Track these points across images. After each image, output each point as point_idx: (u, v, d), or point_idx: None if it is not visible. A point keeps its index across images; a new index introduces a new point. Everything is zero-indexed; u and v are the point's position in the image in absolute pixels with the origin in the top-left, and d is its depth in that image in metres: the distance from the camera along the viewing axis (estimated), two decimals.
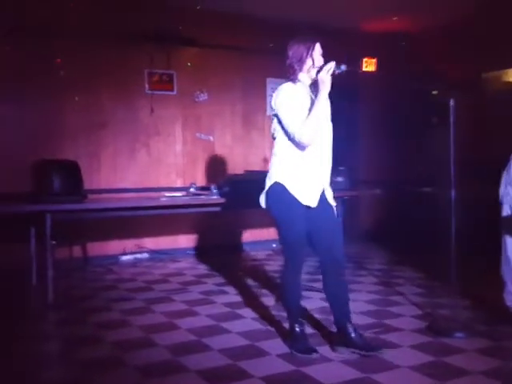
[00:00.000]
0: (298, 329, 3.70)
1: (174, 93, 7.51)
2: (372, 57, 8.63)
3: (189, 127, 7.64)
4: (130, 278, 6.17)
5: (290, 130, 3.46)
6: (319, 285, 5.50)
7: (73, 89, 6.81)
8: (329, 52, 7.63)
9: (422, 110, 8.13)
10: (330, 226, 3.67)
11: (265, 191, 3.63)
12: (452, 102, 4.08)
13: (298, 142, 3.45)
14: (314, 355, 3.55)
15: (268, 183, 3.61)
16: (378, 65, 8.68)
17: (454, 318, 4.08)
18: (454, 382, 3.16)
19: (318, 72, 3.47)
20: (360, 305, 4.82)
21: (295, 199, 3.52)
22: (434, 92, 8.03)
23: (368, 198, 8.60)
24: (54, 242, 5.23)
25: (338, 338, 3.71)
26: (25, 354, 3.79)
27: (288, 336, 3.81)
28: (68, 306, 4.99)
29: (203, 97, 7.68)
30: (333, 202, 3.72)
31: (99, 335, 4.12)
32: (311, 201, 3.57)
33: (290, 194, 3.51)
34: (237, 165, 7.41)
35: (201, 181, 7.37)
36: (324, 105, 3.51)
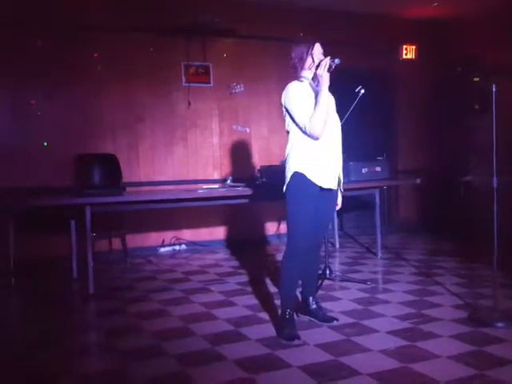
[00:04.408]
0: (288, 315, 3.81)
1: (211, 85, 7.53)
2: (412, 44, 8.54)
3: (225, 119, 7.65)
4: (168, 269, 6.24)
5: (302, 123, 3.66)
6: (357, 275, 5.52)
7: (110, 83, 6.90)
8: (368, 39, 7.63)
9: (463, 98, 7.98)
10: (331, 210, 4.08)
11: (286, 183, 3.80)
12: (494, 88, 4.00)
13: (309, 133, 3.65)
14: (296, 341, 3.66)
15: (288, 174, 3.78)
16: (418, 52, 8.59)
17: (495, 307, 4.00)
18: (494, 371, 3.10)
19: (317, 68, 3.68)
20: (399, 295, 4.78)
21: (314, 185, 3.72)
22: (476, 79, 7.88)
23: (407, 187, 8.53)
24: (93, 234, 5.30)
25: (301, 306, 4.18)
26: (66, 344, 3.86)
27: (278, 321, 3.91)
28: (108, 296, 5.07)
29: (239, 88, 7.67)
30: (341, 188, 4.01)
31: (139, 325, 4.18)
32: (331, 184, 3.81)
33: (310, 181, 3.71)
34: (274, 156, 7.39)
35: (238, 172, 7.39)
36: (328, 97, 3.67)
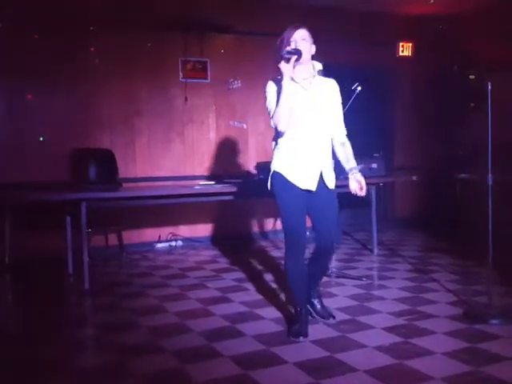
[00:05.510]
0: (298, 313, 3.82)
1: (208, 81, 7.52)
2: (408, 41, 8.55)
3: (222, 115, 7.65)
4: (164, 265, 6.25)
5: (270, 118, 3.64)
6: (353, 272, 5.53)
7: (108, 78, 6.88)
8: (364, 36, 7.59)
9: (459, 95, 8.00)
10: (330, 214, 3.80)
11: (269, 181, 3.78)
12: (489, 86, 4.00)
13: (276, 128, 3.62)
14: (301, 339, 3.66)
15: (270, 173, 3.77)
16: (415, 49, 8.59)
17: (490, 304, 4.02)
18: (489, 368, 3.12)
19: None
20: (394, 292, 4.80)
21: (294, 185, 3.66)
22: (472, 76, 7.90)
23: (403, 184, 8.54)
24: (89, 230, 5.30)
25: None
26: (62, 340, 3.87)
27: (291, 318, 3.95)
28: (104, 292, 5.07)
29: (237, 84, 7.66)
30: (331, 186, 3.78)
31: (135, 321, 4.18)
32: (309, 185, 3.68)
33: (288, 181, 3.67)
34: (271, 152, 7.34)
35: (235, 169, 7.40)
36: (287, 91, 3.50)
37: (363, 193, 3.76)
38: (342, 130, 3.87)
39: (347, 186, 3.83)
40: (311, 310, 4.06)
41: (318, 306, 4.07)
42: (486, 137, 4.00)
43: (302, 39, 3.57)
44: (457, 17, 8.08)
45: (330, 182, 3.77)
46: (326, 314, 4.04)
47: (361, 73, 6.22)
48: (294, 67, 3.54)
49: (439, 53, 8.37)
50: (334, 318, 4.02)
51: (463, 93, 7.86)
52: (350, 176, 3.76)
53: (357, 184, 3.74)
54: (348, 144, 3.86)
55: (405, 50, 8.59)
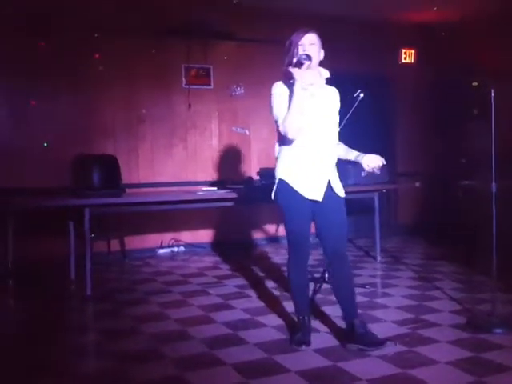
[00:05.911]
0: (300, 320, 3.76)
1: (211, 87, 7.53)
2: (411, 48, 8.55)
3: (225, 121, 7.65)
4: (166, 271, 6.23)
5: (279, 124, 3.51)
6: (356, 279, 5.48)
7: (112, 84, 6.89)
8: (367, 43, 7.60)
9: (462, 102, 7.98)
10: (337, 219, 3.68)
11: (273, 190, 3.69)
12: (493, 93, 3.98)
13: (285, 135, 3.48)
14: (303, 347, 3.60)
15: (275, 181, 3.66)
16: (417, 56, 8.59)
17: (494, 313, 3.99)
18: (492, 378, 3.09)
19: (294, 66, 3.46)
20: (398, 300, 4.77)
21: (299, 195, 3.56)
22: (475, 83, 7.88)
23: (406, 190, 8.51)
24: (92, 236, 5.29)
25: (347, 333, 3.69)
26: (64, 346, 3.85)
27: (293, 326, 3.91)
28: (106, 298, 5.06)
29: (240, 91, 7.66)
30: (341, 194, 3.69)
31: (137, 327, 4.16)
32: (316, 195, 3.58)
33: (293, 190, 3.56)
34: (273, 158, 7.33)
35: (237, 174, 7.38)
36: (299, 97, 3.41)
37: (382, 161, 3.72)
38: (336, 138, 3.76)
39: (349, 192, 3.79)
40: (351, 334, 3.60)
41: (360, 330, 3.57)
42: (488, 144, 3.98)
43: (310, 44, 3.50)
44: (459, 24, 8.06)
45: (340, 190, 3.69)
46: (370, 341, 3.53)
47: (363, 80, 6.20)
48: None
49: (442, 60, 8.36)
50: (381, 344, 3.52)
51: (466, 100, 7.84)
52: (360, 160, 3.67)
53: (370, 159, 3.67)
54: (341, 143, 3.81)
55: (407, 56, 8.59)
